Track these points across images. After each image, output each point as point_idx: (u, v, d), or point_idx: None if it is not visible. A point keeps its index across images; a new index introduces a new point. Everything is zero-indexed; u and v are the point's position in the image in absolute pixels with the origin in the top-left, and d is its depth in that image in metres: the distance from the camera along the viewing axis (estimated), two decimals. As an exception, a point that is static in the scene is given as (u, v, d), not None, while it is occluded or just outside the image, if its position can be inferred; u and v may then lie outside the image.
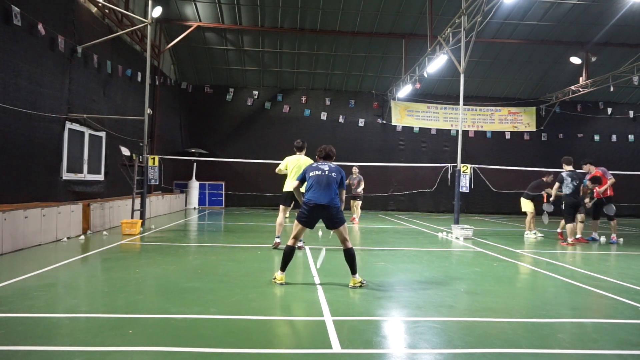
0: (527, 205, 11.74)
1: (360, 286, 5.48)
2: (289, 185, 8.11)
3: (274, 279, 5.62)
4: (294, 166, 8.22)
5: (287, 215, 9.56)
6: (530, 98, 21.17)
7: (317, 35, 17.77)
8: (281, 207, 8.57)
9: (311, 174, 5.63)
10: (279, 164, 8.56)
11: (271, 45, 18.46)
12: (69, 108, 10.21)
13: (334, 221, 5.52)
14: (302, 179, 5.82)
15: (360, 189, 14.16)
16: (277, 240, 8.49)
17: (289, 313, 4.38)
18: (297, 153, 8.43)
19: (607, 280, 6.33)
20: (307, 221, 5.63)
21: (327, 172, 5.56)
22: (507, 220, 17.56)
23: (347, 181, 14.35)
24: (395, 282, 6.00)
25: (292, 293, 5.22)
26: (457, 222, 11.66)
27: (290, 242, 5.65)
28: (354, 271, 5.52)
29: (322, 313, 4.40)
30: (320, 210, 5.49)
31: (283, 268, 5.60)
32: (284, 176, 8.48)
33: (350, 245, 5.55)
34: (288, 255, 5.60)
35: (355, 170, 14.28)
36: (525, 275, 6.61)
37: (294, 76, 20.15)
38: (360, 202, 14.47)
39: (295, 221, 5.66)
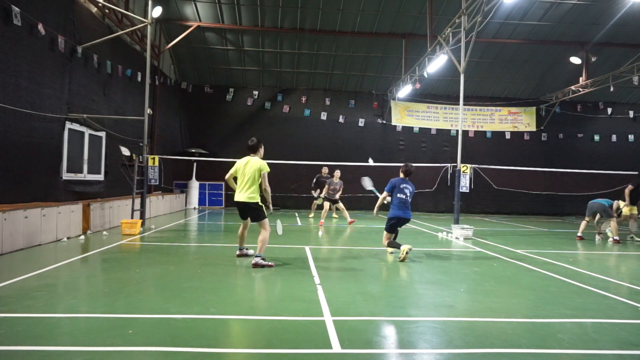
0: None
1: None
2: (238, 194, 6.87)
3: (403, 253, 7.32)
4: (238, 171, 6.93)
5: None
6: (530, 98, 21.17)
7: (317, 35, 17.77)
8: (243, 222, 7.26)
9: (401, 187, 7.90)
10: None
11: (271, 45, 18.46)
12: (69, 108, 10.20)
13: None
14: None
15: (339, 194, 13.65)
16: (242, 251, 7.40)
17: (289, 313, 4.38)
18: (250, 154, 7.00)
19: (607, 280, 6.33)
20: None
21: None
22: (507, 220, 17.56)
23: (326, 184, 13.72)
24: (395, 282, 6.00)
25: (292, 293, 5.22)
26: (457, 222, 11.66)
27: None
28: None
29: (322, 313, 4.41)
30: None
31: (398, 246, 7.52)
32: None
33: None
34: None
35: (337, 174, 13.72)
36: (525, 275, 6.61)
37: (294, 76, 20.15)
38: (341, 204, 13.70)
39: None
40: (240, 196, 6.82)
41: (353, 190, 19.83)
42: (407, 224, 8.46)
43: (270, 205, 7.13)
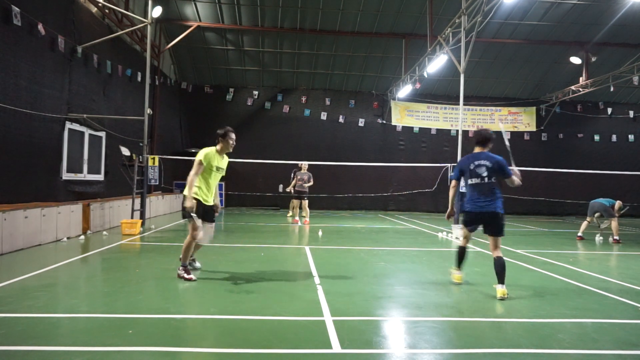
0: None
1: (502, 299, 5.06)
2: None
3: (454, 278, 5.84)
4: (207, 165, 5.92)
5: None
6: (530, 98, 21.18)
7: (317, 35, 17.77)
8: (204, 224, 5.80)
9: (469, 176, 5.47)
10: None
11: (271, 45, 18.46)
12: (69, 108, 10.21)
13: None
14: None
15: (307, 186, 13.16)
16: (189, 272, 5.70)
17: (289, 313, 4.38)
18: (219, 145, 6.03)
19: (607, 280, 6.33)
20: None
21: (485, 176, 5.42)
22: (507, 220, 17.51)
23: (296, 178, 13.30)
24: (395, 282, 6.00)
25: (292, 293, 5.21)
26: (457, 222, 11.64)
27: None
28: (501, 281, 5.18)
29: (322, 313, 4.40)
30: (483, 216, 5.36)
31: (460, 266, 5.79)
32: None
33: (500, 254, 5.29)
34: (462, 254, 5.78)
35: (305, 166, 13.36)
36: (525, 275, 6.61)
37: (294, 76, 20.15)
38: (307, 201, 13.34)
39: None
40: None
41: (352, 190, 19.90)
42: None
43: (188, 203, 5.38)
